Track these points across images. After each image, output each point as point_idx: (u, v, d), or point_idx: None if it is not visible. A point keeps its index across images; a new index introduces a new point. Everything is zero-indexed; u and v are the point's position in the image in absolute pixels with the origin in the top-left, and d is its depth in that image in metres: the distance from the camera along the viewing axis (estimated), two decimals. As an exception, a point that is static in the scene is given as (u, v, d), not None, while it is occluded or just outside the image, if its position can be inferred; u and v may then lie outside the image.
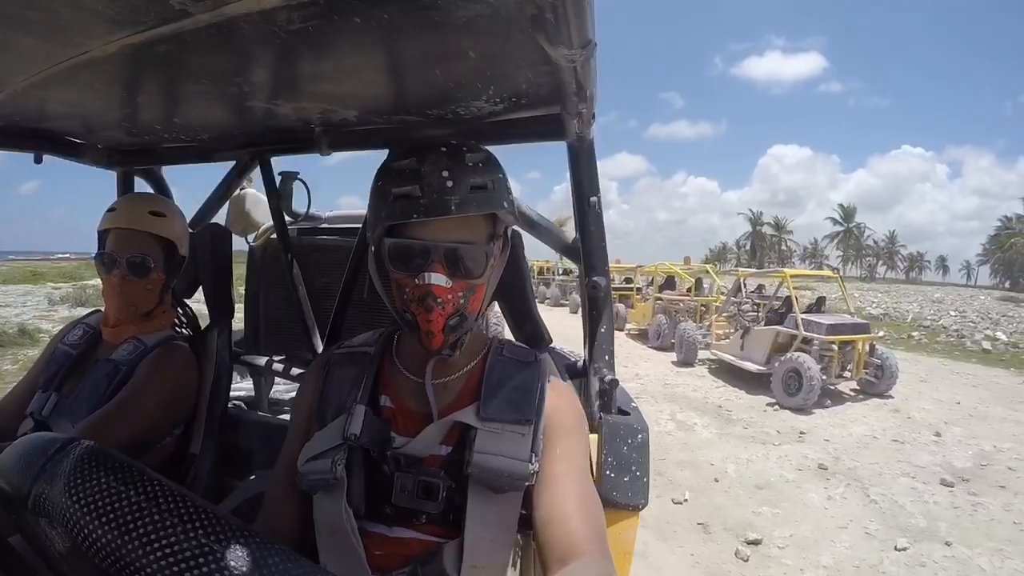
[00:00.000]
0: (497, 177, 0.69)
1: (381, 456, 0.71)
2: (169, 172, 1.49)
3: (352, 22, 0.59)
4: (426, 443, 0.70)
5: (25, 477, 0.32)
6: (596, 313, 1.02)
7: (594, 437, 0.97)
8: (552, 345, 1.14)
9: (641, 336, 10.15)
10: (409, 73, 0.77)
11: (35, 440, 0.35)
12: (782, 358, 5.97)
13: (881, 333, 8.09)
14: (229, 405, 1.32)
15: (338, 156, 1.15)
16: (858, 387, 6.40)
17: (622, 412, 1.01)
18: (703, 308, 9.19)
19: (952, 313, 14.53)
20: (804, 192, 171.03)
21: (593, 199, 0.98)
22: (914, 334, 12.37)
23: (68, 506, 0.30)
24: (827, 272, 11.14)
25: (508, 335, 1.06)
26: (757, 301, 7.91)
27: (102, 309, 1.17)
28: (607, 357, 1.02)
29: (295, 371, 1.54)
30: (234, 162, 1.31)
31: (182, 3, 0.53)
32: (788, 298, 6.85)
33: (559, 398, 0.74)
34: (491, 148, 0.99)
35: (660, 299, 10.15)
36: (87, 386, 1.06)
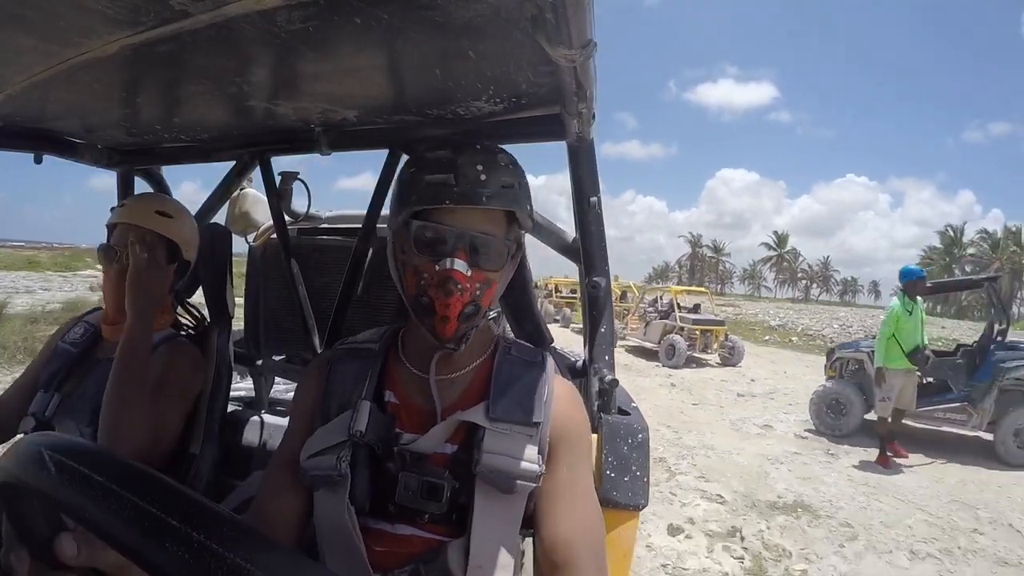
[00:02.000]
0: (523, 180, 0.72)
1: (386, 453, 0.71)
2: (170, 172, 1.49)
3: (352, 22, 0.59)
4: (433, 441, 0.70)
5: (27, 477, 0.32)
6: (596, 313, 1.02)
7: (594, 437, 0.97)
8: (552, 345, 1.14)
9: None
10: (409, 73, 0.77)
11: (35, 440, 0.35)
12: (665, 338, 10.37)
13: (767, 337, 14.15)
14: (229, 404, 1.32)
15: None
16: (719, 360, 10.52)
17: (622, 412, 1.01)
18: (625, 311, 13.18)
19: (835, 326, 18.13)
20: (750, 215, 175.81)
21: (593, 199, 0.98)
22: (793, 338, 16.56)
23: (70, 504, 0.30)
24: (702, 289, 16.73)
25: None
26: (660, 308, 12.09)
27: (101, 307, 1.17)
28: (607, 357, 1.02)
29: (295, 371, 1.54)
30: (234, 162, 1.31)
31: (182, 3, 0.53)
32: (671, 302, 11.59)
33: (566, 402, 0.75)
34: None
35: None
36: (90, 387, 1.06)
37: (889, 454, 4.61)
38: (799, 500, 3.81)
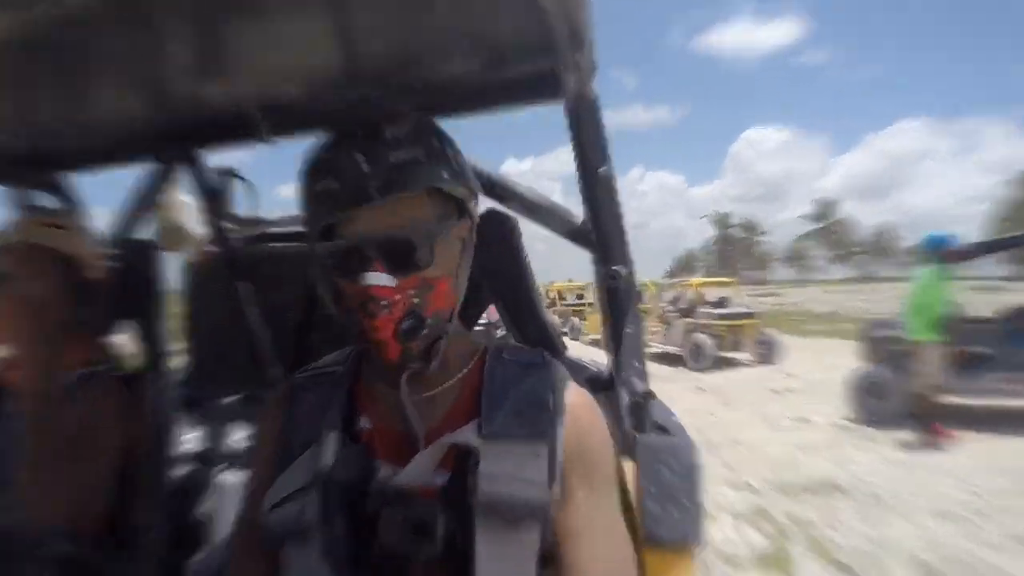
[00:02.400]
0: (431, 146, 0.69)
1: (363, 492, 0.70)
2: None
3: None
4: (418, 472, 0.70)
5: None
6: (618, 311, 1.02)
7: (629, 463, 0.96)
8: (567, 354, 1.14)
9: (595, 343, 13.79)
10: (361, 35, 0.76)
11: None
12: (689, 338, 10.94)
13: (814, 327, 16.35)
14: (177, 465, 1.31)
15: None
16: (754, 359, 10.86)
17: (660, 429, 1.00)
18: (644, 314, 14.59)
19: (896, 306, 20.08)
20: (787, 182, 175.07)
21: (602, 170, 0.97)
22: (846, 325, 16.39)
23: None
24: (726, 279, 17.58)
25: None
26: (681, 306, 12.44)
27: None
28: (636, 364, 1.02)
29: (254, 412, 1.54)
30: (157, 163, 1.31)
31: None
32: (693, 297, 12.23)
33: (581, 411, 0.74)
34: (470, 120, 0.99)
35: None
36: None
37: (934, 433, 5.12)
38: (829, 480, 4.42)
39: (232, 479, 1.42)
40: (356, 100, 0.97)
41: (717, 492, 4.12)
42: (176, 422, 1.31)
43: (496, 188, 1.08)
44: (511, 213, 1.08)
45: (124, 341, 1.29)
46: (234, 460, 1.62)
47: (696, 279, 13.81)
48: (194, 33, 0.72)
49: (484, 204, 1.06)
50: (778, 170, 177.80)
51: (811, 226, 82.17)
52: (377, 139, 0.67)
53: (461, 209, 0.73)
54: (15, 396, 1.12)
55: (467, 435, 0.69)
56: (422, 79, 0.89)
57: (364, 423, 0.75)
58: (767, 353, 10.69)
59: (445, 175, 0.69)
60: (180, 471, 1.37)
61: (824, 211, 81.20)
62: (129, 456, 1.18)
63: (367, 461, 0.71)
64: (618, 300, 1.02)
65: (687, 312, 11.72)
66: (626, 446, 0.99)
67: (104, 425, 1.13)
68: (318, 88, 0.94)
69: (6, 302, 1.08)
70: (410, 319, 0.68)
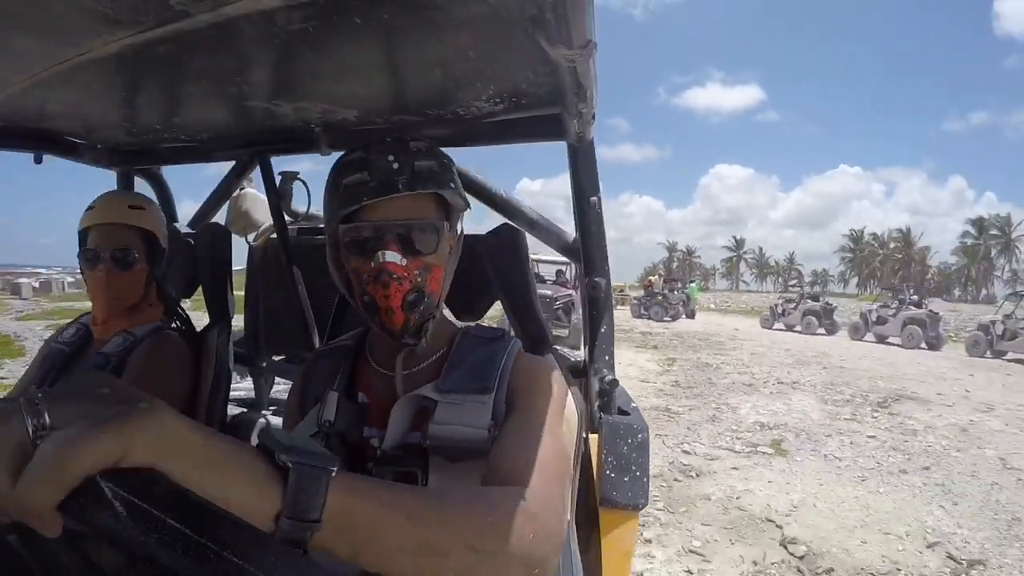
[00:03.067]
0: (442, 161, 0.72)
1: (357, 448, 0.72)
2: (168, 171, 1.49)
3: (351, 22, 0.59)
4: (396, 427, 0.70)
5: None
6: (596, 313, 1.02)
7: (594, 437, 0.97)
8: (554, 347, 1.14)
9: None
10: (409, 73, 0.77)
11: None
12: (642, 308, 19.16)
13: (712, 306, 30.35)
14: (229, 405, 1.32)
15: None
16: (686, 316, 19.51)
17: (622, 412, 1.01)
18: (622, 296, 22.02)
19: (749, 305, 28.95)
20: (745, 211, 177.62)
21: (593, 199, 0.98)
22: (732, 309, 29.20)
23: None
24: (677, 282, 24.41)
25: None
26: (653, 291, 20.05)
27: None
28: (607, 357, 1.02)
29: (295, 371, 1.54)
30: (234, 162, 1.31)
31: (182, 3, 0.53)
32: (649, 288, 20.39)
33: (528, 366, 0.73)
34: (490, 148, 0.99)
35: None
36: None
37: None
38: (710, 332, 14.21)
39: (274, 421, 1.42)
40: (399, 125, 0.98)
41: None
42: (232, 373, 1.31)
43: (506, 206, 1.08)
44: (519, 228, 1.08)
45: (197, 305, 1.30)
46: (276, 406, 1.62)
47: (657, 279, 21.19)
48: (272, 60, 0.73)
49: (496, 220, 1.07)
50: (738, 201, 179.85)
51: (731, 254, 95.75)
52: (405, 147, 0.70)
53: (452, 220, 0.75)
54: (99, 343, 1.13)
55: (427, 390, 0.70)
56: (454, 113, 0.90)
57: (362, 397, 0.77)
58: (692, 313, 20.12)
59: (451, 185, 0.72)
60: (233, 412, 1.37)
61: (738, 244, 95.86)
62: (194, 397, 1.19)
63: (362, 416, 0.74)
64: (598, 305, 1.02)
65: (653, 295, 19.34)
66: (592, 424, 0.99)
67: (172, 372, 1.13)
68: (369, 112, 0.94)
69: (102, 273, 1.09)
70: (414, 293, 0.69)
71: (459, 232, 0.77)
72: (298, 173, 1.51)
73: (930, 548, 2.96)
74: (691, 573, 2.63)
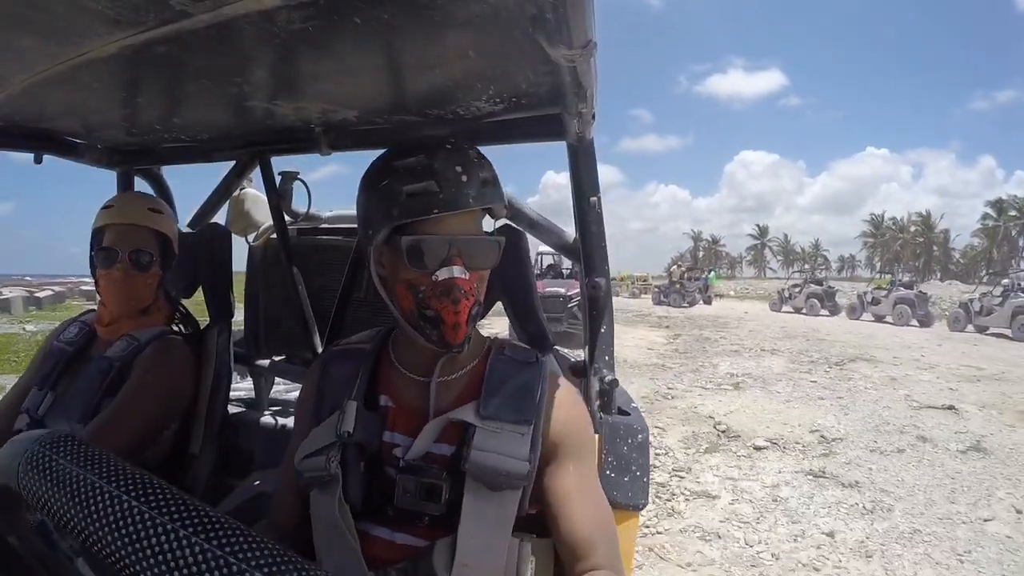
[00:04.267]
0: (495, 172, 0.72)
1: (376, 454, 0.71)
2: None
3: (352, 22, 0.59)
4: (424, 441, 0.70)
5: (11, 475, 0.33)
6: (596, 313, 1.02)
7: (594, 437, 0.96)
8: (555, 347, 1.14)
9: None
10: (409, 73, 0.77)
11: (21, 438, 0.35)
12: (662, 296, 21.56)
13: (732, 292, 33.86)
14: (229, 405, 1.32)
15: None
16: (703, 302, 21.03)
17: (622, 412, 1.01)
18: (645, 285, 26.97)
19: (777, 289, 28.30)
20: (772, 197, 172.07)
21: (593, 199, 0.98)
22: (751, 296, 31.84)
23: (51, 498, 0.30)
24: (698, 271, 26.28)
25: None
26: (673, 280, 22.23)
27: (95, 308, 1.18)
28: (607, 357, 1.02)
29: (295, 371, 1.54)
30: (234, 162, 1.31)
31: (182, 3, 0.53)
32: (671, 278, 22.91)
33: (566, 402, 0.74)
34: (491, 148, 0.99)
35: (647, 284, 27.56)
36: (81, 383, 1.06)
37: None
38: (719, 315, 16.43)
39: (272, 422, 1.42)
40: (399, 125, 0.98)
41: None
42: (232, 373, 1.31)
43: (508, 207, 1.08)
44: (519, 228, 1.08)
45: (197, 305, 1.30)
46: (275, 407, 1.62)
47: (675, 269, 23.38)
48: (272, 60, 0.73)
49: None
50: (764, 187, 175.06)
51: (755, 241, 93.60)
52: (468, 157, 0.68)
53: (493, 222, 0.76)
54: (103, 344, 1.13)
55: (467, 413, 0.70)
56: (454, 113, 0.90)
57: (385, 401, 0.75)
58: (708, 300, 21.41)
59: (504, 198, 0.73)
60: (232, 412, 1.37)
61: (761, 232, 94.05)
62: (195, 398, 1.19)
63: (381, 428, 0.72)
64: (597, 304, 1.02)
65: (672, 283, 21.67)
66: (593, 424, 0.99)
67: (176, 377, 1.13)
68: (369, 112, 0.94)
69: (118, 272, 1.08)
70: (476, 307, 0.70)
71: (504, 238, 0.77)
72: (298, 173, 1.51)
73: (810, 432, 4.63)
74: (654, 436, 4.19)
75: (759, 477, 3.67)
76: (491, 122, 0.93)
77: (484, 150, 0.96)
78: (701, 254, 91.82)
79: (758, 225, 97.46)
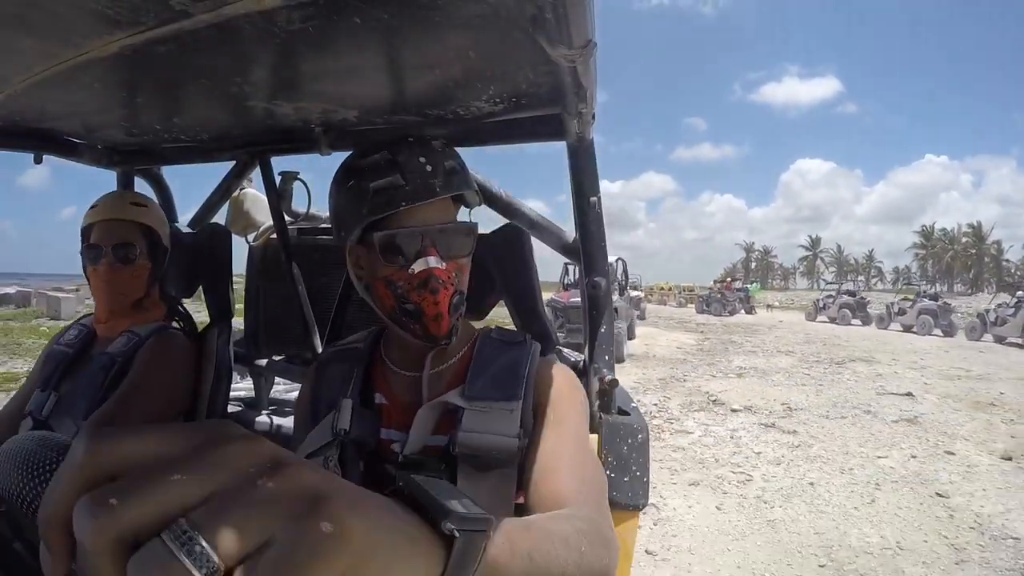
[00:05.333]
0: (461, 160, 0.72)
1: (374, 452, 0.71)
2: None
3: (352, 22, 0.59)
4: (420, 432, 0.70)
5: (12, 478, 0.32)
6: (596, 313, 1.02)
7: (594, 437, 0.96)
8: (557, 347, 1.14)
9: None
10: (409, 73, 0.77)
11: (19, 441, 0.35)
12: (704, 305, 23.85)
13: (776, 303, 36.22)
14: (229, 405, 1.32)
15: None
16: (744, 312, 23.39)
17: (622, 412, 1.01)
18: (691, 294, 29.47)
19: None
20: (829, 207, 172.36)
21: (593, 199, 0.98)
22: (794, 307, 34.41)
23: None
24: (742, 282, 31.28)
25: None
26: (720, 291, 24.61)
27: (94, 311, 1.18)
28: (607, 357, 1.02)
29: (295, 371, 1.54)
30: (234, 162, 1.31)
31: (182, 3, 0.53)
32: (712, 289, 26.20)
33: (550, 373, 0.73)
34: (491, 148, 0.99)
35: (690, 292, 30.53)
36: (84, 381, 1.06)
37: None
38: (750, 322, 18.86)
39: (272, 421, 1.42)
40: (399, 125, 0.97)
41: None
42: (232, 373, 1.31)
43: (508, 207, 1.08)
44: (523, 228, 1.08)
45: (197, 304, 1.30)
46: (274, 406, 1.63)
47: (728, 280, 26.18)
48: (272, 60, 0.73)
49: (499, 220, 1.07)
50: (820, 197, 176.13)
51: (807, 253, 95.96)
52: (430, 147, 0.68)
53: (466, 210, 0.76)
54: (103, 342, 1.13)
55: (453, 397, 0.69)
56: (454, 113, 0.89)
57: (379, 399, 0.75)
58: (752, 309, 23.57)
59: (473, 184, 0.72)
60: (231, 412, 1.37)
61: (813, 243, 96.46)
62: (195, 397, 1.19)
63: (377, 425, 0.72)
64: (598, 304, 1.02)
65: (716, 293, 23.67)
66: (592, 424, 0.99)
67: (177, 370, 1.13)
68: (369, 112, 0.94)
69: (103, 268, 1.09)
70: (457, 296, 0.69)
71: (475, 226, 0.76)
72: (298, 173, 1.51)
73: (780, 405, 5.98)
74: (659, 401, 6.14)
75: (725, 424, 5.23)
76: (491, 122, 0.93)
77: (489, 150, 0.95)
78: (753, 265, 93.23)
79: (810, 236, 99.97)
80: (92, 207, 1.12)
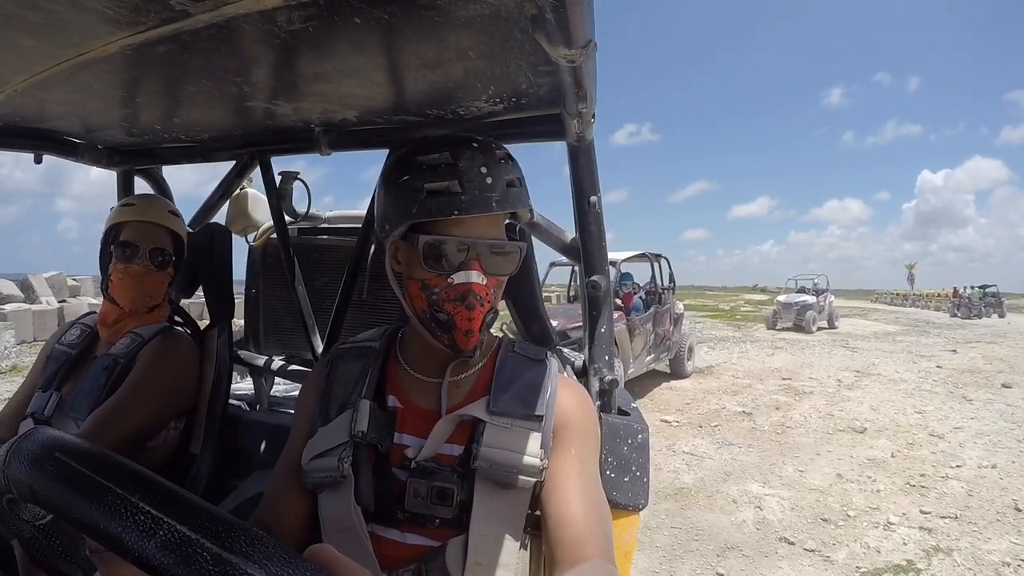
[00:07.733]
0: (521, 174, 0.69)
1: (391, 456, 0.70)
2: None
3: (352, 22, 0.59)
4: (435, 441, 0.69)
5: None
6: (596, 313, 1.02)
7: (599, 434, 0.96)
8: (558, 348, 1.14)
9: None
10: (409, 73, 0.77)
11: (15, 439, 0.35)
12: (955, 309, 23.58)
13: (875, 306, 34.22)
14: (229, 404, 1.32)
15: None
16: (998, 316, 22.03)
17: (622, 412, 1.01)
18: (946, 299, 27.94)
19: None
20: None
21: (593, 199, 0.98)
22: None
23: (39, 491, 0.29)
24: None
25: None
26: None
27: (96, 311, 1.18)
28: (607, 357, 1.02)
29: (295, 371, 1.54)
30: (234, 162, 1.31)
31: (182, 3, 0.53)
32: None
33: (572, 397, 0.73)
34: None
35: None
36: (86, 382, 1.06)
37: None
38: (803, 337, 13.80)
39: (271, 421, 1.42)
40: (399, 125, 0.98)
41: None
42: (232, 373, 1.31)
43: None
44: (524, 228, 1.08)
45: (198, 304, 1.30)
46: (274, 406, 1.63)
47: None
48: (272, 60, 0.73)
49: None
50: None
51: None
52: (494, 158, 0.65)
53: (517, 228, 0.74)
54: (105, 344, 1.13)
55: (477, 410, 0.68)
56: (455, 113, 0.89)
57: (393, 402, 0.73)
58: (1003, 313, 22.64)
59: (529, 201, 0.69)
60: (231, 411, 1.37)
61: None
62: (195, 396, 1.19)
63: (392, 429, 0.70)
64: (597, 304, 1.02)
65: (968, 298, 23.22)
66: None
67: (181, 369, 1.14)
68: (369, 113, 0.94)
69: (139, 268, 1.10)
70: (491, 313, 0.68)
71: (528, 243, 0.77)
72: (298, 173, 1.51)
73: (829, 378, 7.45)
74: (708, 368, 8.12)
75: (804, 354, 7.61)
76: (491, 122, 0.93)
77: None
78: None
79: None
80: (126, 205, 1.12)
